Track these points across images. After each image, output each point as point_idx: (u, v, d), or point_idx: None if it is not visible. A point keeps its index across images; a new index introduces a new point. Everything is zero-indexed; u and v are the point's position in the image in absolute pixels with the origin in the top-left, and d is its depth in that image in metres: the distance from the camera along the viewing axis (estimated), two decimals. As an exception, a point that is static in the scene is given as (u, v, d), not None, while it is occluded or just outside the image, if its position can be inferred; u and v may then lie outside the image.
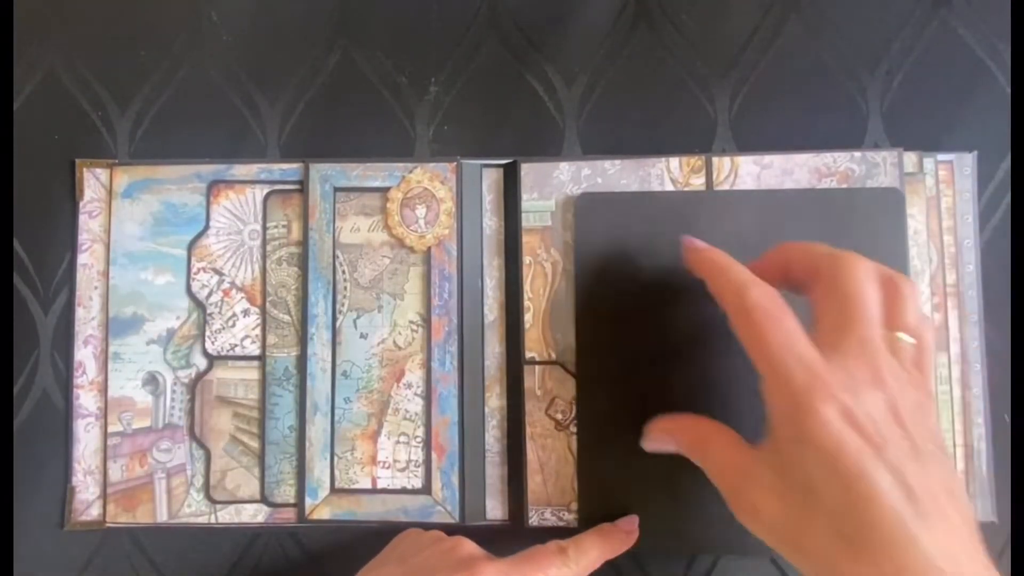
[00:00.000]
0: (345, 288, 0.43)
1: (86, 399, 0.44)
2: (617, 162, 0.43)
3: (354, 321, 0.43)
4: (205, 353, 0.44)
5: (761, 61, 0.45)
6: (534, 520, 0.41)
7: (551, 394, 0.42)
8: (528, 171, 0.43)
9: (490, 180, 0.44)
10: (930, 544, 0.27)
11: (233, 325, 0.44)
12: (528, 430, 0.42)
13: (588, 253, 0.42)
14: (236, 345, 0.44)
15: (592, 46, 0.45)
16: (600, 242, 0.42)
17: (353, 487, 0.43)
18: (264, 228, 0.44)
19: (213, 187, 0.44)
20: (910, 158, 0.42)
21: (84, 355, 0.44)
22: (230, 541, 0.43)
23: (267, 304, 0.44)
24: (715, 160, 0.42)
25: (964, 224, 0.42)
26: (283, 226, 0.44)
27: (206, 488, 0.43)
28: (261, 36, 0.46)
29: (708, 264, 0.35)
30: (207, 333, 0.44)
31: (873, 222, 0.41)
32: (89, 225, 0.45)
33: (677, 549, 0.41)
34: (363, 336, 0.43)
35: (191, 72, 0.46)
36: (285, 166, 0.44)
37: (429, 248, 0.43)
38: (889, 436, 0.29)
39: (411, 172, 0.43)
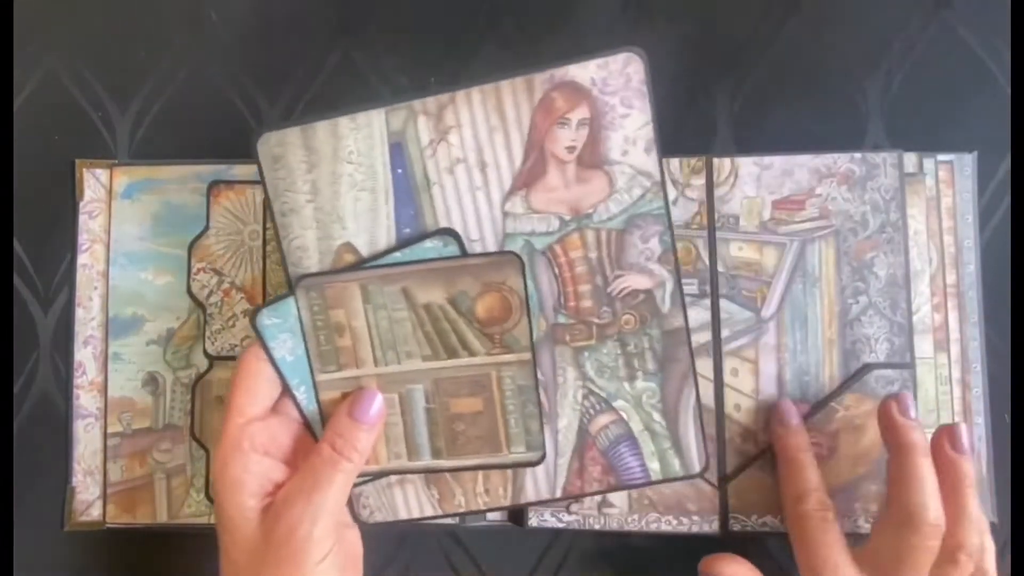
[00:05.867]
0: (345, 288, 0.43)
1: (86, 399, 0.44)
2: (617, 162, 0.43)
3: (354, 321, 0.43)
4: (205, 353, 0.44)
5: (761, 61, 0.45)
6: (534, 521, 0.41)
7: (551, 394, 0.42)
8: (527, 171, 0.43)
9: (490, 180, 0.44)
10: None
11: (233, 325, 0.44)
12: (528, 430, 0.42)
13: None
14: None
15: (592, 46, 0.45)
16: None
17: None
18: (264, 228, 0.44)
19: (213, 187, 0.44)
20: (910, 158, 0.42)
21: (84, 355, 0.44)
22: (230, 541, 0.43)
23: (267, 304, 0.44)
24: (715, 161, 0.42)
25: (964, 224, 0.42)
26: (283, 226, 0.44)
27: (206, 488, 0.43)
28: (261, 36, 0.46)
29: (786, 452, 0.38)
30: (207, 333, 0.44)
31: None
32: (89, 225, 0.45)
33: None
34: (363, 336, 0.43)
35: (191, 72, 0.46)
36: (285, 166, 0.44)
37: (429, 248, 0.43)
38: None
39: (411, 172, 0.43)
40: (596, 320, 0.34)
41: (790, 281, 0.41)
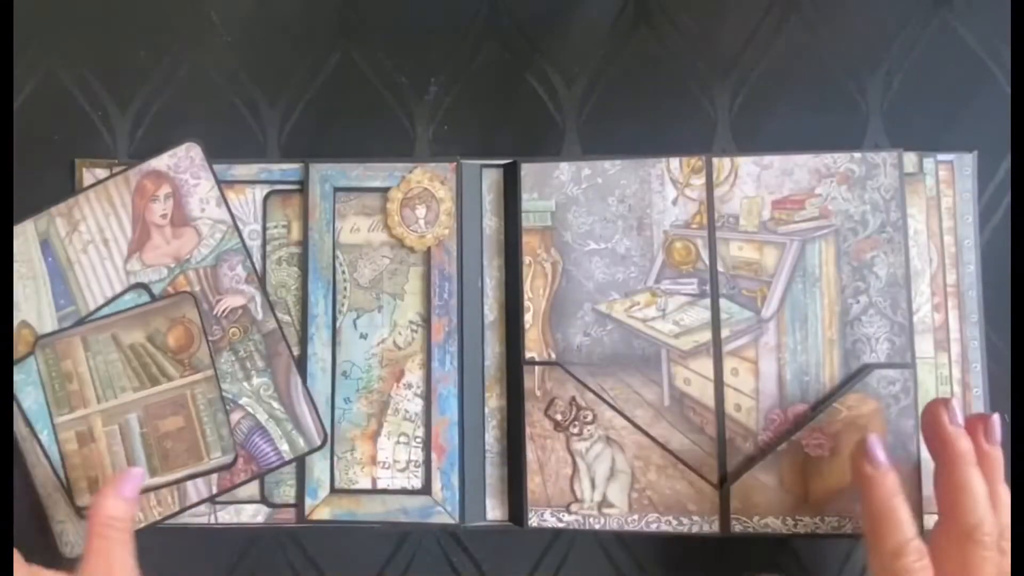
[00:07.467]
0: (345, 288, 0.43)
1: (85, 399, 0.44)
2: (617, 162, 0.43)
3: (354, 321, 0.43)
4: (204, 353, 0.44)
5: (761, 61, 0.45)
6: (534, 521, 0.41)
7: (550, 394, 0.42)
8: (528, 171, 0.43)
9: (490, 180, 0.44)
10: None
11: (233, 325, 0.44)
12: (528, 430, 0.42)
13: None
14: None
15: (592, 46, 0.45)
16: None
17: (353, 487, 0.42)
18: (264, 228, 0.44)
19: (213, 187, 0.45)
20: (910, 158, 0.42)
21: (83, 355, 0.44)
22: (230, 541, 0.43)
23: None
24: (715, 160, 0.42)
25: (964, 224, 0.42)
26: (283, 226, 0.44)
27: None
28: (261, 36, 0.46)
29: (878, 499, 0.36)
30: (206, 333, 0.44)
31: None
32: (88, 225, 0.45)
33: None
34: (363, 336, 0.43)
35: (191, 72, 0.46)
36: (285, 166, 0.44)
37: (429, 248, 0.43)
38: None
39: (411, 172, 0.43)
40: (210, 337, 0.42)
41: (790, 281, 0.41)
